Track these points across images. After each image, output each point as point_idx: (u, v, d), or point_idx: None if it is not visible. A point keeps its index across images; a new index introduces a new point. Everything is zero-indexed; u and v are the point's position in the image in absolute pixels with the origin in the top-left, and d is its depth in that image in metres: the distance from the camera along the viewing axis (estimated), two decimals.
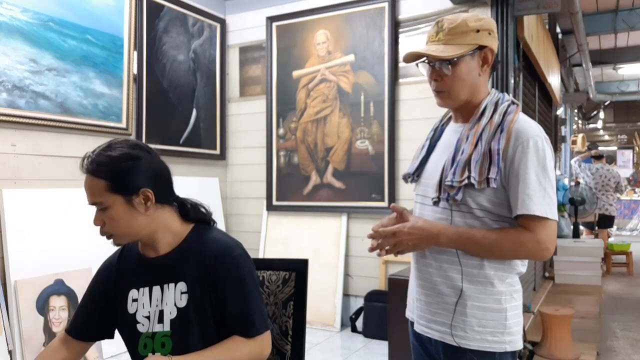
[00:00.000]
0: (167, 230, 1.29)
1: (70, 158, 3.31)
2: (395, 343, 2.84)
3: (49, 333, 2.91)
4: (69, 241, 3.08)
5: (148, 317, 1.28)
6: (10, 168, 2.99)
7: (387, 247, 1.35)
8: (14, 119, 2.97)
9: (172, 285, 1.27)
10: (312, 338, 3.70)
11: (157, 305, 1.28)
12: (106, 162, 1.22)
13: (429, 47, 1.34)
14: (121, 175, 1.22)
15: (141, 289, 1.31)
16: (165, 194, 1.29)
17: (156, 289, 1.29)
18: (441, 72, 1.32)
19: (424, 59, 1.36)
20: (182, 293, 1.26)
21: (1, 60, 2.91)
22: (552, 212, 1.25)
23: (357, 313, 3.91)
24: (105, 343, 3.15)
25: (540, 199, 1.24)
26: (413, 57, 1.37)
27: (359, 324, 3.88)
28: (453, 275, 1.32)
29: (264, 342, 1.25)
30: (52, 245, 3.00)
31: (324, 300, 4.00)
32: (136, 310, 1.30)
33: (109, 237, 1.27)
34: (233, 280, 1.25)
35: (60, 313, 2.97)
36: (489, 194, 1.28)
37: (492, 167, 1.26)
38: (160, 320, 1.27)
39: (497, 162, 1.26)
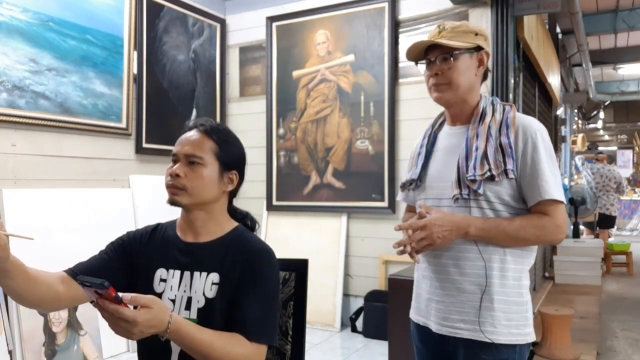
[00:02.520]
0: (216, 219, 1.33)
1: (70, 158, 3.31)
2: (395, 343, 2.84)
3: (49, 333, 2.91)
4: (69, 241, 3.08)
5: (173, 301, 1.27)
6: (10, 168, 2.99)
7: (413, 244, 1.33)
8: (14, 119, 2.97)
9: (204, 274, 1.27)
10: (312, 338, 3.70)
11: (185, 291, 1.27)
12: (224, 132, 1.35)
13: (433, 39, 1.41)
14: (230, 148, 1.34)
15: (171, 271, 1.30)
16: (237, 189, 1.38)
17: (186, 274, 1.28)
18: (442, 65, 1.40)
19: (423, 59, 1.45)
20: (213, 284, 1.26)
21: (1, 60, 2.91)
22: (563, 196, 1.35)
23: (357, 313, 3.91)
24: (105, 343, 3.16)
25: (556, 185, 1.33)
26: (416, 52, 1.45)
27: (359, 324, 3.88)
28: (476, 271, 1.36)
29: (260, 352, 1.21)
30: (52, 245, 3.00)
31: (324, 300, 4.00)
32: (163, 291, 1.29)
33: (177, 190, 1.26)
34: (261, 282, 1.25)
35: (60, 313, 2.97)
36: (505, 186, 1.35)
37: (507, 159, 1.34)
38: (188, 307, 1.26)
39: (511, 154, 1.34)
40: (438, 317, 1.43)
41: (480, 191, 1.34)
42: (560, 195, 1.33)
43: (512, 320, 1.35)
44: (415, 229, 1.33)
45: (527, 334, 1.37)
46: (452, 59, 1.38)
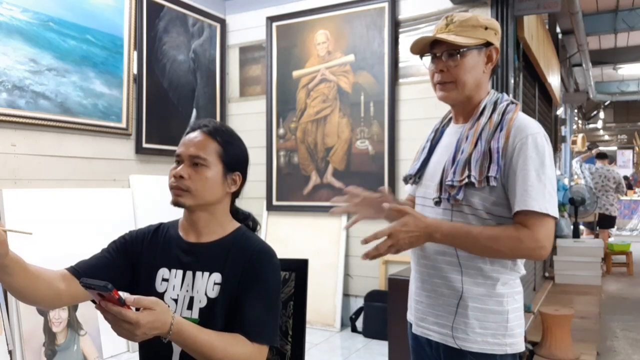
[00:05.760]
0: (219, 220, 1.33)
1: (70, 158, 3.31)
2: (395, 343, 2.84)
3: (49, 333, 2.91)
4: (69, 241, 3.08)
5: (176, 300, 1.28)
6: (10, 168, 2.99)
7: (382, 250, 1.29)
8: (14, 119, 2.97)
9: (206, 274, 1.27)
10: (312, 338, 3.70)
11: (188, 290, 1.27)
12: (227, 133, 1.35)
13: (439, 35, 1.34)
14: (234, 149, 1.34)
15: (173, 270, 1.30)
16: (240, 189, 1.38)
17: (189, 274, 1.29)
18: (448, 61, 1.32)
19: (428, 53, 1.38)
20: (215, 284, 1.26)
21: (1, 60, 2.91)
22: (552, 209, 1.24)
23: (357, 313, 3.91)
24: (105, 343, 3.16)
25: (540, 195, 1.22)
26: (421, 46, 1.37)
27: (359, 324, 3.88)
28: (453, 276, 1.32)
29: (261, 352, 1.21)
30: (52, 245, 3.00)
31: (324, 300, 4.00)
32: (165, 290, 1.29)
33: (180, 191, 1.26)
34: (262, 283, 1.25)
35: (60, 313, 2.97)
36: (489, 193, 1.28)
37: (492, 165, 1.26)
38: (190, 307, 1.26)
39: (497, 161, 1.26)
40: (417, 318, 1.42)
41: (459, 197, 1.28)
42: (544, 207, 1.22)
43: (489, 329, 1.29)
44: (380, 237, 1.28)
45: (506, 344, 1.29)
46: (458, 55, 1.31)
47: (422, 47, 1.38)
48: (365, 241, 1.31)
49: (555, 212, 1.24)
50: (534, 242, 1.22)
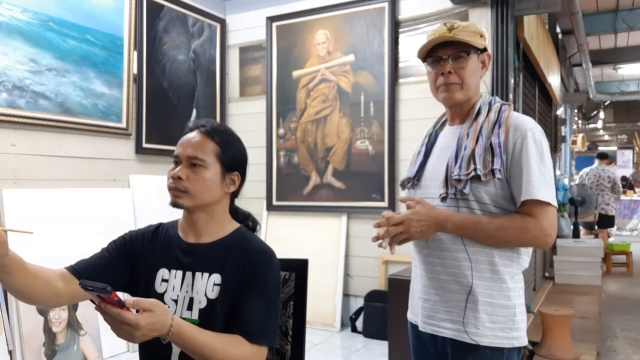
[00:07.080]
0: (218, 220, 1.33)
1: (70, 158, 3.31)
2: (395, 343, 2.84)
3: (49, 333, 2.91)
4: (69, 241, 3.08)
5: (176, 301, 1.28)
6: (10, 168, 2.99)
7: (392, 236, 1.35)
8: (14, 119, 2.97)
9: (205, 275, 1.27)
10: (312, 338, 3.70)
11: (187, 291, 1.28)
12: (225, 133, 1.34)
13: (458, 36, 1.38)
14: (232, 149, 1.33)
15: (173, 271, 1.30)
16: (239, 190, 1.38)
17: (188, 275, 1.29)
18: (455, 63, 1.38)
19: (429, 58, 1.42)
20: (214, 285, 1.26)
21: (1, 60, 2.91)
22: (552, 198, 1.30)
23: (357, 313, 3.91)
24: (105, 343, 3.16)
25: (541, 184, 1.29)
26: (427, 48, 1.41)
27: (359, 324, 3.88)
28: (463, 272, 1.35)
29: (261, 353, 1.21)
30: (52, 245, 3.00)
31: (324, 300, 4.00)
32: (165, 291, 1.29)
33: (179, 192, 1.26)
34: (262, 283, 1.25)
35: (60, 313, 2.97)
36: (494, 186, 1.33)
37: (495, 159, 1.32)
38: (190, 307, 1.26)
39: (500, 154, 1.32)
40: (424, 316, 1.43)
41: (466, 191, 1.32)
42: (546, 197, 1.29)
43: (497, 322, 1.33)
44: (393, 224, 1.34)
45: (514, 338, 1.34)
46: (467, 57, 1.37)
47: (426, 51, 1.42)
48: (378, 225, 1.37)
49: (554, 202, 1.31)
50: (540, 231, 1.29)
